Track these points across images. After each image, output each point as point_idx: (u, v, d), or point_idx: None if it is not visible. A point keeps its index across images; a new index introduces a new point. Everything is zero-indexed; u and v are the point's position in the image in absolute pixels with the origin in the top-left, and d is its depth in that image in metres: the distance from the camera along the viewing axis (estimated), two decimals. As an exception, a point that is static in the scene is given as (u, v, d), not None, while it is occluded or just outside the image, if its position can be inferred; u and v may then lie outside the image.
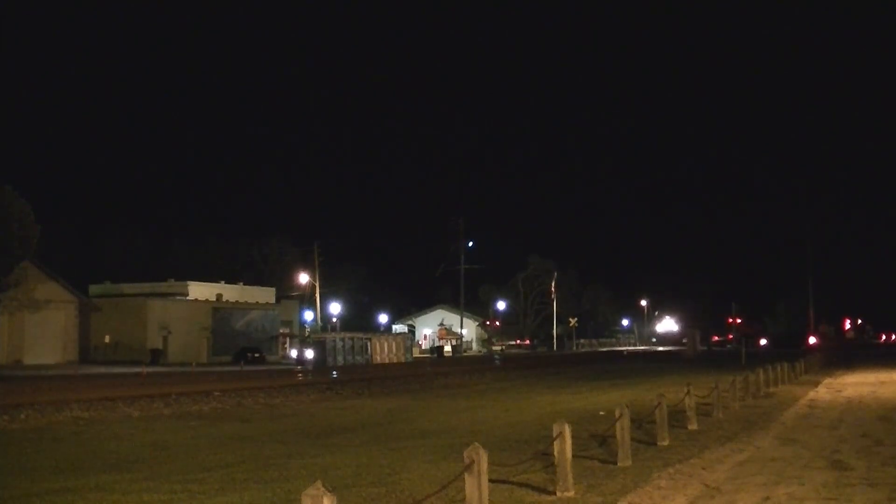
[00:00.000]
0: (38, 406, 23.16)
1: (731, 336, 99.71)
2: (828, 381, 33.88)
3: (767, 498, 10.64)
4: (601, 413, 20.19)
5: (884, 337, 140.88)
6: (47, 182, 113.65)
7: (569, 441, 10.50)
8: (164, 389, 29.55)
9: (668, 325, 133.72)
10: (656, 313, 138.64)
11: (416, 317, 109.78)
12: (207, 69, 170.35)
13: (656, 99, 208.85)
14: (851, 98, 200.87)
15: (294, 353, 63.34)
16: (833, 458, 13.55)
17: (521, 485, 11.15)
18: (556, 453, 10.54)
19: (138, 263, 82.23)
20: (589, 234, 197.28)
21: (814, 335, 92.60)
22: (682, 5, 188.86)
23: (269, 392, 29.46)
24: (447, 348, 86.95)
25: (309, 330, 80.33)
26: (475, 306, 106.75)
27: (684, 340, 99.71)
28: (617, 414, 12.81)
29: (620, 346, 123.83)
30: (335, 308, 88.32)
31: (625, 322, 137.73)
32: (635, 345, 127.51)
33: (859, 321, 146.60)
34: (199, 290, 71.76)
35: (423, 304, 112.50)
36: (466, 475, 8.23)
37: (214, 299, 71.82)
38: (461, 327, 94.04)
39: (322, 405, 25.67)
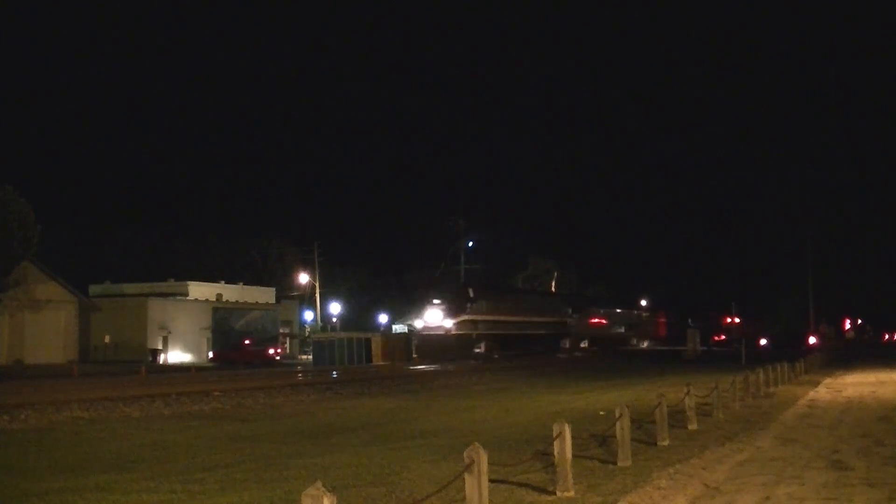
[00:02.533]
0: (38, 406, 23.15)
1: (724, 336, 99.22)
2: (828, 381, 33.88)
3: (767, 498, 10.66)
4: (601, 413, 20.19)
5: (886, 336, 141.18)
6: (47, 182, 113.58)
7: (569, 441, 10.51)
8: (164, 389, 29.54)
9: (433, 316, 69.84)
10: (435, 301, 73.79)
11: (416, 317, 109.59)
12: (207, 69, 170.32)
13: (656, 98, 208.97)
14: (852, 98, 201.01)
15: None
16: (833, 458, 13.56)
17: (521, 485, 11.15)
18: (556, 453, 10.54)
19: (138, 263, 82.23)
20: (589, 234, 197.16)
21: (814, 335, 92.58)
22: (681, 6, 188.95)
23: (269, 392, 29.46)
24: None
25: (309, 330, 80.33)
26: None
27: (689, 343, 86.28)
28: (617, 414, 12.82)
29: None
30: (335, 308, 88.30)
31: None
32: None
33: (859, 321, 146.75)
34: (199, 290, 71.83)
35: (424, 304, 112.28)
36: (466, 475, 8.23)
37: (214, 299, 71.89)
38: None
39: (322, 405, 25.67)
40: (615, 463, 12.66)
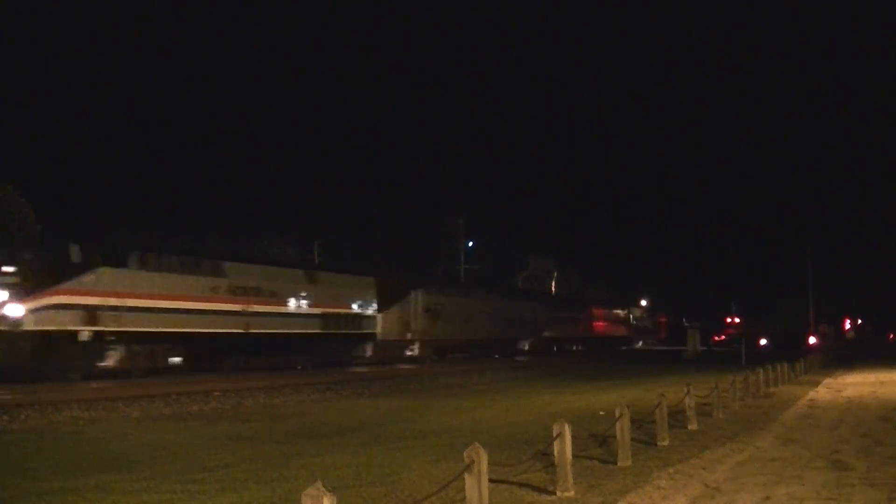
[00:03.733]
0: (38, 406, 23.13)
1: (725, 335, 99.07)
2: (828, 381, 33.89)
3: (767, 498, 10.66)
4: (601, 413, 20.20)
5: (892, 335, 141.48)
6: (47, 182, 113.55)
7: (569, 441, 10.51)
8: (164, 389, 29.49)
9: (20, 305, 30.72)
10: (4, 269, 33.43)
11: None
12: (208, 69, 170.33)
13: (657, 98, 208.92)
14: (852, 98, 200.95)
15: None
16: (833, 458, 13.56)
17: (521, 485, 11.15)
18: (556, 453, 10.54)
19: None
20: (589, 234, 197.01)
21: (814, 335, 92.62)
22: (681, 6, 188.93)
23: (269, 392, 29.44)
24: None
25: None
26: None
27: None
28: (617, 414, 12.82)
29: None
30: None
31: None
32: None
33: (859, 321, 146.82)
34: (199, 290, 71.44)
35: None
36: (466, 475, 8.23)
37: (214, 299, 71.34)
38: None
39: (322, 405, 25.67)
40: (615, 463, 12.66)
